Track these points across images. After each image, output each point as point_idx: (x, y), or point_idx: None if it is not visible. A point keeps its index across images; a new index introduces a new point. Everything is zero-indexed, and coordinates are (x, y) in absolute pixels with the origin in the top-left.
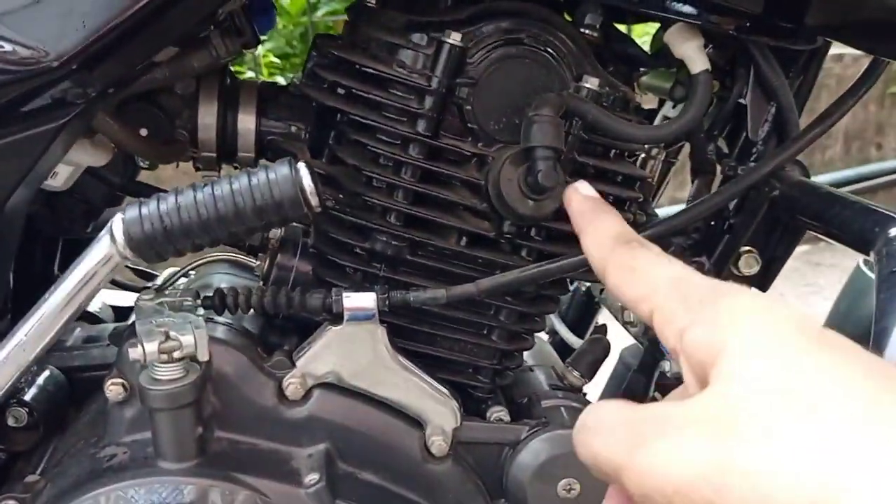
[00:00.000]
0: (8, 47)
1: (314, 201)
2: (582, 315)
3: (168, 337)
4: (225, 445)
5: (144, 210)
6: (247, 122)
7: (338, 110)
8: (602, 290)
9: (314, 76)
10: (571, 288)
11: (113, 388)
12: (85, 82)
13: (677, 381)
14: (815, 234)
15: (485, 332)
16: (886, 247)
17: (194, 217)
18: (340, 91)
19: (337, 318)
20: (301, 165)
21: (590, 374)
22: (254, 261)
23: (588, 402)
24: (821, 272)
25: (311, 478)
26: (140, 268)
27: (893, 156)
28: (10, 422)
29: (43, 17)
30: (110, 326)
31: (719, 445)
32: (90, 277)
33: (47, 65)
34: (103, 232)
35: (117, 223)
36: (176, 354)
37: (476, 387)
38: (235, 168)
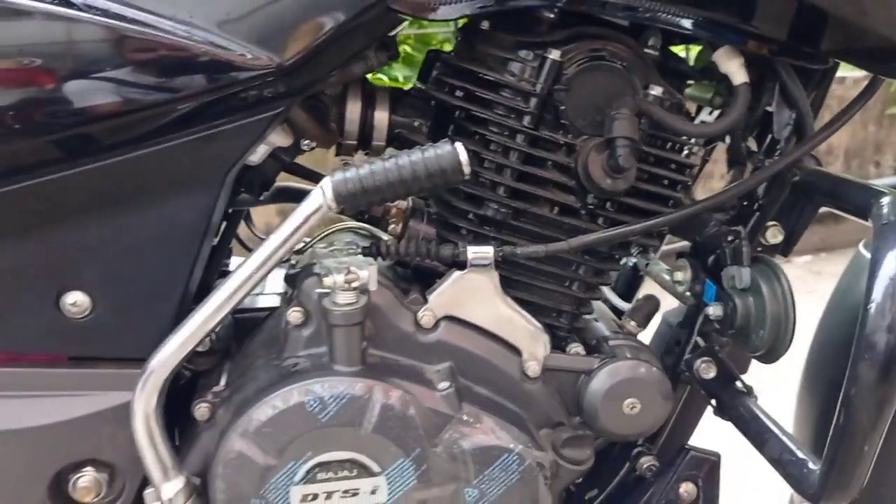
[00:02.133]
0: (248, 54)
1: (466, 171)
2: (629, 286)
3: (349, 271)
4: (378, 359)
5: (347, 174)
6: (381, 118)
7: (457, 108)
8: (647, 264)
9: (438, 82)
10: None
11: (294, 315)
12: (298, 81)
13: (719, 324)
14: (827, 208)
15: (566, 283)
16: (878, 210)
17: (383, 180)
18: (459, 94)
19: (461, 266)
20: (459, 144)
21: (644, 323)
22: (372, 228)
23: (644, 345)
24: (822, 280)
25: (443, 385)
26: None
27: (891, 172)
28: (199, 347)
29: (273, 29)
30: None
31: None
32: (303, 222)
33: (276, 67)
34: (315, 189)
35: (327, 182)
36: (354, 284)
37: (558, 327)
38: (367, 154)
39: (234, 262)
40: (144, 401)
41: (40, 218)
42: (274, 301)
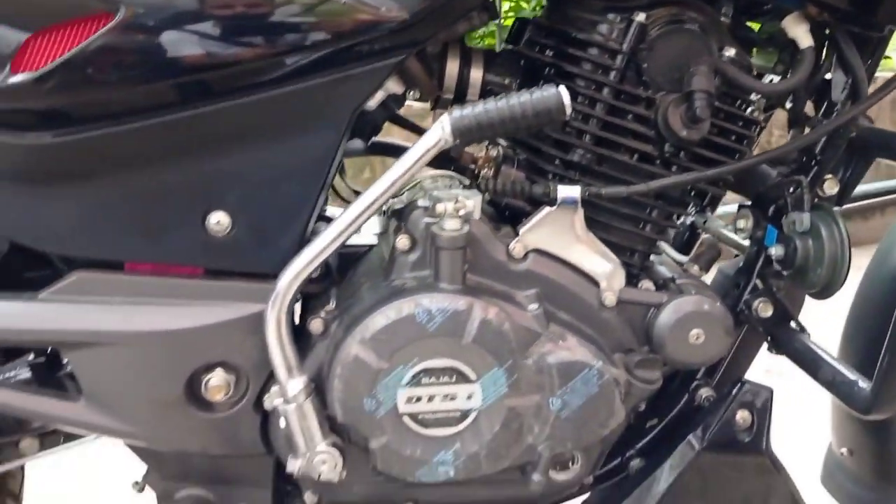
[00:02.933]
0: (383, 6)
1: (568, 111)
2: (687, 243)
3: (458, 200)
4: (475, 283)
5: (464, 111)
6: (476, 76)
7: (547, 66)
8: (705, 221)
9: (530, 43)
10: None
11: (402, 241)
12: (419, 33)
13: (780, 263)
14: (881, 159)
15: (640, 225)
16: None
17: (495, 117)
18: (549, 52)
19: (551, 204)
20: (562, 87)
21: (706, 267)
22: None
23: (707, 285)
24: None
25: (532, 307)
26: None
27: None
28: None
29: None
30: None
31: None
32: (424, 154)
33: (405, 19)
34: (434, 125)
35: (445, 118)
36: (461, 212)
37: (631, 265)
38: None
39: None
40: (277, 309)
41: (192, 146)
42: (370, 240)
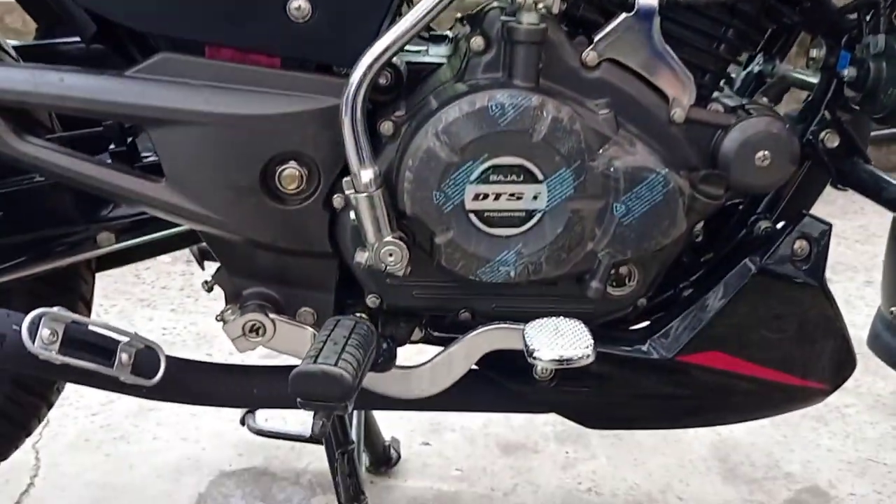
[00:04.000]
0: None
1: None
2: (754, 93)
3: None
4: (546, 87)
5: None
6: None
7: None
8: (773, 67)
9: None
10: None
11: (476, 42)
12: None
13: (851, 86)
14: None
15: (715, 44)
16: None
17: None
18: None
19: (629, 9)
20: None
21: (776, 99)
22: None
23: (776, 112)
24: None
25: (603, 111)
26: None
27: None
28: (382, 80)
29: None
30: None
31: None
32: None
33: None
34: None
35: None
36: (540, 6)
37: (702, 86)
38: None
39: None
40: (352, 96)
41: None
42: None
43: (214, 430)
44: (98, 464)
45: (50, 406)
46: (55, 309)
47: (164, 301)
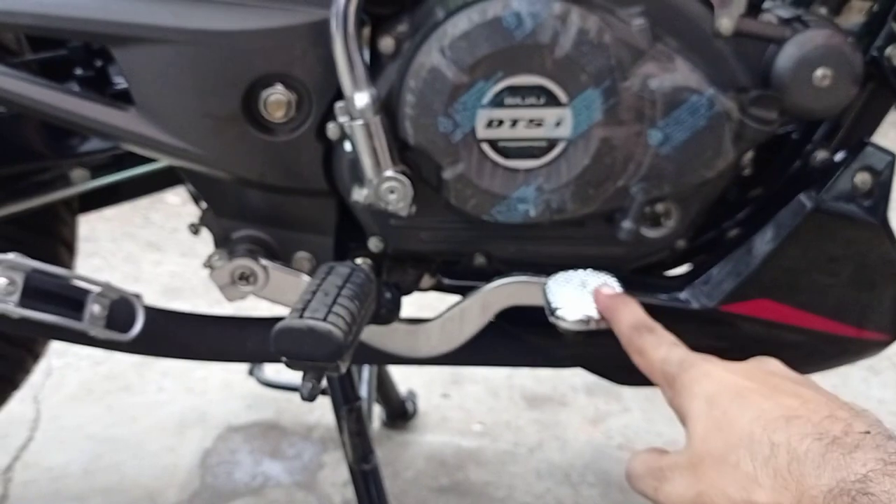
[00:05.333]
0: None
1: None
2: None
3: None
4: None
5: None
6: None
7: None
8: None
9: None
10: None
11: None
12: None
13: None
14: None
15: None
16: None
17: None
18: None
19: None
20: None
21: (836, 9)
22: None
23: (837, 24)
24: None
25: (637, 21)
26: None
27: None
28: None
29: None
30: None
31: (695, 482)
32: None
33: None
34: None
35: None
36: None
37: None
38: None
39: None
40: (344, 7)
41: None
42: None
43: (222, 381)
44: (100, 416)
45: (37, 358)
46: (11, 255)
47: (173, 244)
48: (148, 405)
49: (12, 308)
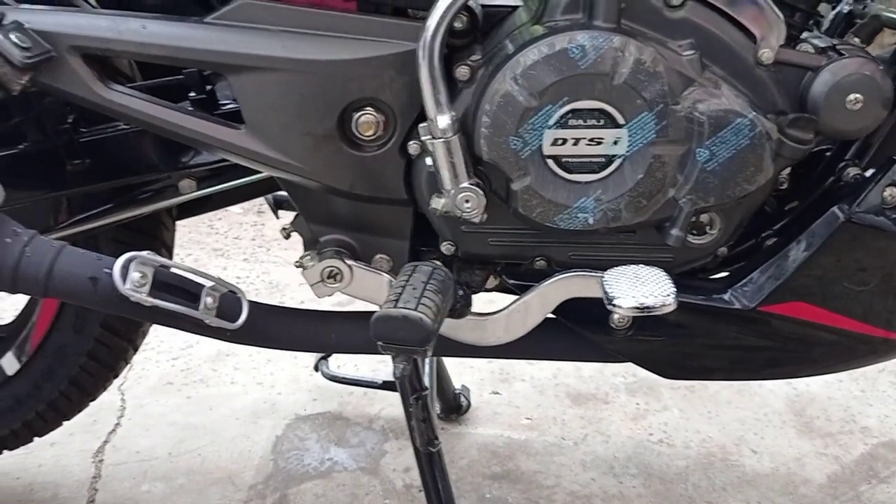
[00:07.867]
0: None
1: None
2: (842, 34)
3: None
4: (628, 29)
5: None
6: None
7: None
8: (864, 6)
9: None
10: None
11: None
12: None
13: None
14: None
15: None
16: None
17: None
18: None
19: None
20: None
21: (868, 40)
22: None
23: (869, 53)
24: None
25: (688, 53)
26: None
27: None
28: (457, 24)
29: None
30: None
31: None
32: None
33: None
34: None
35: None
36: None
37: (792, 25)
38: None
39: None
40: (429, 39)
41: None
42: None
43: (290, 375)
44: (180, 405)
45: (136, 349)
46: (144, 253)
47: (237, 251)
48: (222, 396)
49: (145, 297)
